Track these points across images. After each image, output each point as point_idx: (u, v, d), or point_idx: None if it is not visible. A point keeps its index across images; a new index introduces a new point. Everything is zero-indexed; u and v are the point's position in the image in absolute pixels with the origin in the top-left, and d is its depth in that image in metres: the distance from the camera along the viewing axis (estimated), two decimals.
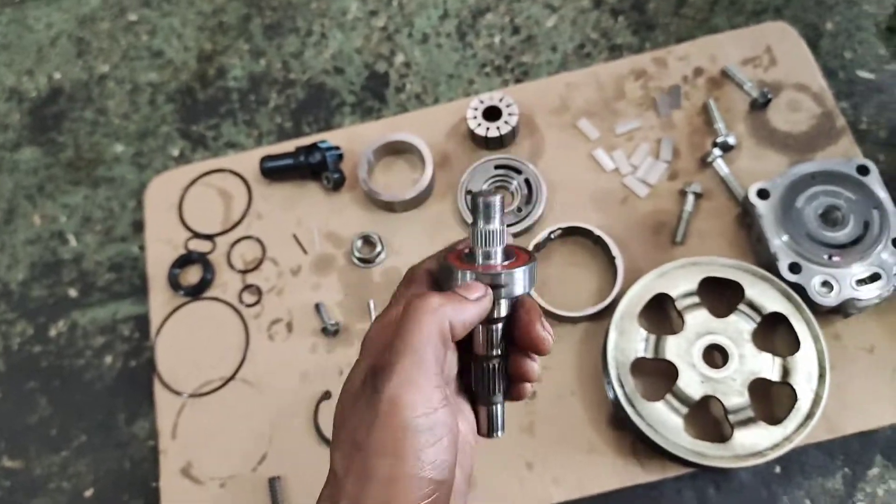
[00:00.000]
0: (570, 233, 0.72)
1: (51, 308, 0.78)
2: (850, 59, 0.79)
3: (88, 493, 0.70)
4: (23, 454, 0.72)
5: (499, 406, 0.47)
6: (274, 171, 0.78)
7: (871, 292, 0.63)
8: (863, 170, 0.67)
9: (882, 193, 0.66)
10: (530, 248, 0.70)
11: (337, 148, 0.77)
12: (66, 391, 0.74)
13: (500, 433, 0.46)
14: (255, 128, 0.84)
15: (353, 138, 0.80)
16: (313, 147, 0.76)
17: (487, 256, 0.43)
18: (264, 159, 0.77)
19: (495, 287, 0.42)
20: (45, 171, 0.85)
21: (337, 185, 0.77)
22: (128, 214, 0.82)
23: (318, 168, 0.76)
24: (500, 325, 0.45)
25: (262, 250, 0.76)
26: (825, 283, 0.64)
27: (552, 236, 0.72)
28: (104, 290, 0.78)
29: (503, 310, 0.44)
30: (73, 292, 0.79)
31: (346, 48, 0.88)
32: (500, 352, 0.46)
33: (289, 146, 0.79)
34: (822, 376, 0.61)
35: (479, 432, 0.46)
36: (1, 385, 0.76)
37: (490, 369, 0.45)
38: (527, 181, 0.74)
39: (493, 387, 0.46)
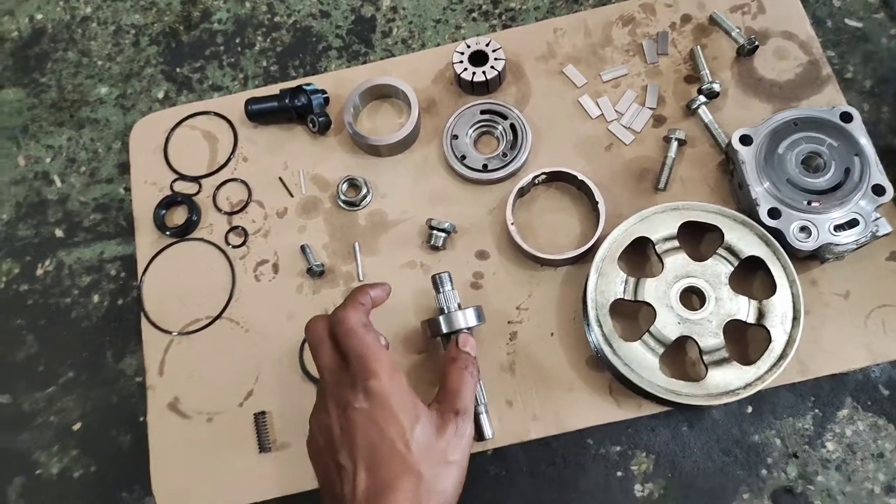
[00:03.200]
0: (555, 178, 0.73)
1: (36, 247, 0.79)
2: (838, 7, 0.79)
3: (76, 426, 0.72)
4: (10, 389, 0.73)
5: (483, 416, 0.61)
6: (259, 114, 0.77)
7: (848, 238, 0.64)
8: (846, 117, 0.68)
9: (864, 140, 0.67)
10: (514, 192, 0.71)
11: (323, 91, 0.77)
12: (53, 329, 0.75)
13: (489, 435, 0.62)
14: (240, 71, 0.84)
15: (339, 82, 0.79)
16: (299, 90, 0.76)
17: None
18: (249, 101, 0.77)
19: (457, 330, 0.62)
20: (29, 113, 0.85)
21: (323, 128, 0.76)
22: (113, 156, 0.82)
23: (303, 111, 0.76)
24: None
25: (248, 192, 0.77)
26: (803, 229, 0.65)
27: (536, 181, 0.72)
28: (90, 231, 0.79)
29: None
30: (58, 232, 0.79)
31: None
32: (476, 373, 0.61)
33: (274, 90, 0.78)
34: (796, 319, 0.63)
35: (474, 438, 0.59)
36: None
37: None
38: (512, 126, 0.74)
39: (476, 401, 0.61)
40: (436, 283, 0.65)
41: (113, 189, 0.80)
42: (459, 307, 0.65)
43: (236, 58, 0.84)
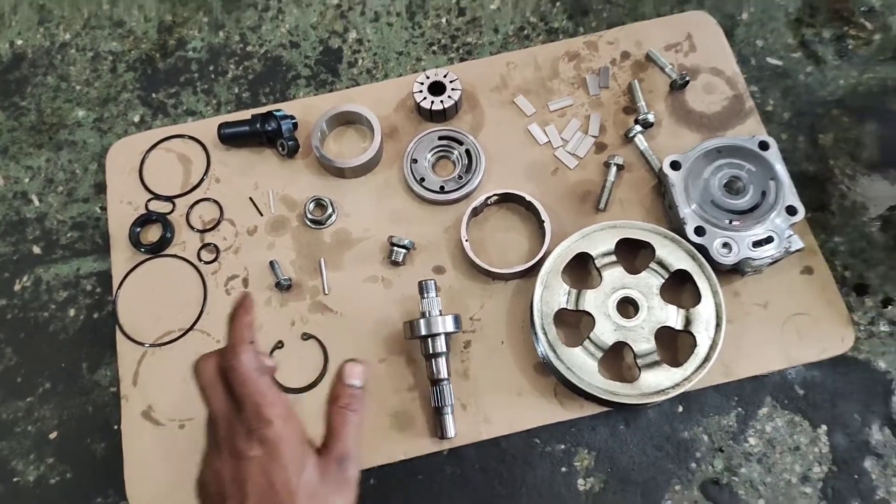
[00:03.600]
0: (505, 199, 0.79)
1: (15, 264, 0.82)
2: (761, 47, 0.88)
3: (53, 435, 0.75)
4: None
5: (448, 416, 0.69)
6: (231, 138, 0.83)
7: (765, 253, 0.72)
8: (763, 145, 0.76)
9: (779, 167, 0.75)
10: (468, 212, 0.77)
11: (292, 117, 0.82)
12: (30, 342, 0.79)
13: (451, 434, 0.69)
14: (213, 97, 0.89)
15: (307, 109, 0.85)
16: (269, 115, 0.81)
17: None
18: (222, 126, 0.82)
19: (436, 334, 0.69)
20: (9, 135, 0.89)
21: (291, 151, 0.82)
22: (90, 177, 0.86)
23: (273, 135, 0.82)
24: (442, 358, 0.70)
25: (219, 211, 0.81)
26: (725, 245, 0.72)
27: (488, 202, 0.79)
28: (67, 248, 0.83)
29: (441, 346, 0.70)
30: (36, 249, 0.83)
31: (301, 23, 0.93)
32: (446, 376, 0.70)
33: (246, 115, 0.84)
34: (718, 325, 0.70)
35: (437, 436, 0.70)
36: None
37: (439, 391, 0.70)
38: (467, 151, 0.81)
39: (444, 401, 0.69)
40: (421, 288, 0.71)
41: (89, 208, 0.84)
42: (440, 313, 0.71)
43: (210, 84, 0.90)
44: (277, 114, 0.82)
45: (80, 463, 0.74)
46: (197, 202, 0.82)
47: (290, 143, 0.81)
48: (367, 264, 0.78)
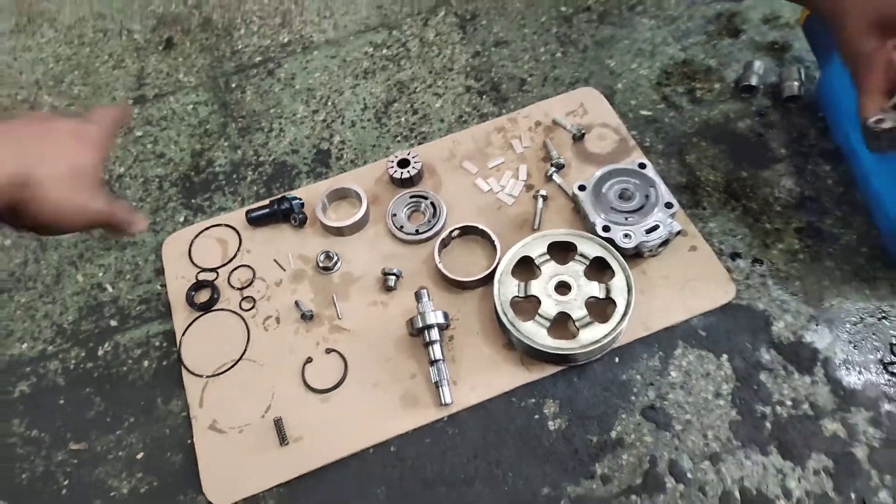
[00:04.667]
0: (465, 231, 1.07)
1: (97, 336, 1.06)
2: (634, 104, 1.20)
3: (140, 455, 0.96)
4: (85, 438, 0.97)
5: (445, 387, 0.93)
6: (256, 220, 1.10)
7: (655, 236, 0.99)
8: (642, 166, 1.05)
9: (656, 178, 1.04)
10: (438, 243, 1.04)
11: (299, 198, 1.11)
12: (114, 390, 1.01)
13: (448, 401, 0.92)
14: (238, 195, 1.18)
15: (310, 192, 1.14)
16: (283, 198, 1.10)
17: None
18: (248, 212, 1.10)
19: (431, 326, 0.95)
20: (83, 244, 1.16)
21: (302, 223, 1.10)
22: (150, 265, 1.12)
23: (287, 213, 1.10)
24: (437, 344, 0.94)
25: (252, 273, 1.07)
26: (626, 235, 0.99)
27: (453, 234, 1.06)
28: (137, 318, 1.07)
29: (436, 334, 0.95)
30: (113, 322, 1.07)
31: (298, 136, 1.24)
32: (441, 357, 0.93)
33: (265, 202, 1.12)
34: (630, 290, 0.95)
35: (439, 404, 0.92)
36: (64, 394, 1.01)
37: (437, 368, 0.93)
38: (432, 204, 1.09)
39: (441, 376, 0.93)
40: (417, 295, 0.98)
41: (152, 287, 1.10)
42: (433, 310, 0.96)
43: (234, 187, 1.19)
44: (289, 196, 1.10)
45: (164, 472, 0.94)
46: (235, 269, 1.08)
47: (300, 216, 1.09)
48: (368, 294, 1.04)
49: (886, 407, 0.89)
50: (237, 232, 1.12)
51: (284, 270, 1.07)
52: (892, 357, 0.92)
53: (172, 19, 1.48)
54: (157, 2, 1.51)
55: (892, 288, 0.97)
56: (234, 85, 1.34)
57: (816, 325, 0.95)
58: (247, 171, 1.21)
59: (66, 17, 1.51)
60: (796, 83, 1.15)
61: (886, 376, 0.91)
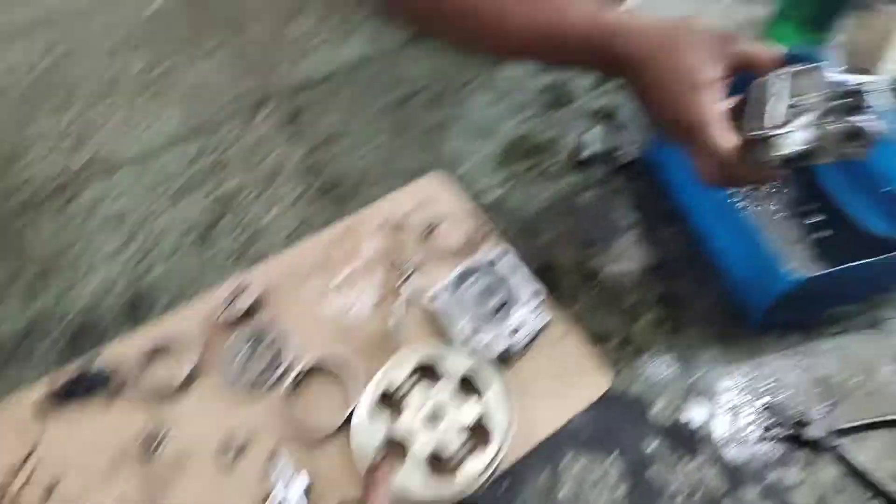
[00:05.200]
0: (318, 366, 0.95)
1: None
2: (481, 188, 1.14)
3: None
4: None
5: None
6: (59, 397, 0.92)
7: (523, 334, 0.92)
8: (498, 256, 0.99)
9: (515, 268, 0.97)
10: (284, 389, 0.91)
11: (106, 368, 0.94)
12: None
13: None
14: (34, 367, 0.98)
15: (125, 346, 0.97)
16: (89, 365, 0.92)
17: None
18: (49, 388, 0.91)
19: None
20: None
21: (115, 392, 0.93)
22: None
23: (94, 383, 0.93)
24: None
25: (55, 473, 0.88)
26: (493, 339, 0.91)
27: (299, 378, 0.93)
28: None
29: None
30: None
31: (107, 276, 1.06)
32: None
33: (71, 369, 0.94)
34: (508, 403, 0.87)
35: None
36: None
37: None
38: (274, 339, 0.96)
39: None
40: (271, 461, 0.82)
41: None
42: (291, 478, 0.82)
43: (28, 355, 0.99)
44: (95, 361, 0.93)
45: None
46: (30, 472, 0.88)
47: (110, 384, 0.92)
48: (207, 470, 0.88)
49: (773, 475, 0.87)
50: (37, 415, 0.92)
51: (99, 461, 0.89)
52: (768, 420, 0.91)
53: None
54: None
55: (754, 347, 0.96)
56: (22, 224, 1.14)
57: (691, 399, 0.92)
58: (45, 331, 1.01)
59: None
60: (629, 149, 1.15)
61: (768, 443, 0.89)
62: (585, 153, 1.16)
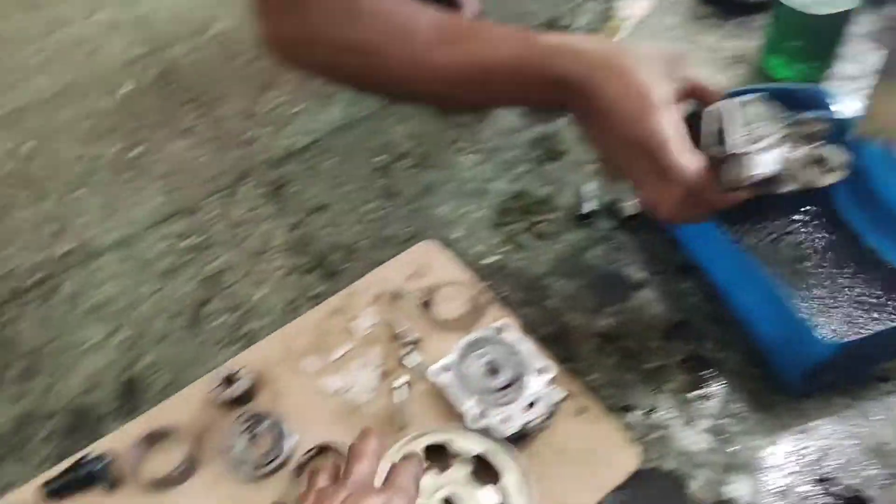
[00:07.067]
0: (321, 452, 0.88)
1: None
2: (477, 253, 1.09)
3: None
4: None
5: None
6: (55, 493, 0.85)
7: (536, 412, 0.85)
8: (503, 327, 0.93)
9: (522, 339, 0.91)
10: (289, 476, 0.84)
11: (103, 457, 0.87)
12: None
13: None
14: (28, 462, 0.91)
15: (121, 438, 0.90)
16: (83, 458, 0.85)
17: None
18: (45, 485, 0.85)
19: None
20: None
21: (112, 484, 0.87)
22: None
23: (90, 477, 0.86)
24: None
25: None
26: (505, 420, 0.85)
27: (302, 463, 0.86)
28: None
29: None
30: None
31: (96, 367, 1.00)
32: None
33: (67, 464, 0.86)
34: (529, 487, 0.80)
35: None
36: None
37: None
38: (273, 424, 0.89)
39: None
40: None
41: None
42: None
43: (20, 452, 0.92)
44: (89, 455, 0.86)
45: None
46: None
47: (107, 476, 0.86)
48: None
49: None
50: None
51: None
52: (821, 498, 0.82)
53: None
54: None
55: (794, 413, 0.88)
56: (7, 319, 1.08)
57: (733, 473, 0.85)
58: (36, 426, 0.95)
59: None
60: (632, 200, 1.11)
61: None
62: (585, 207, 1.11)
